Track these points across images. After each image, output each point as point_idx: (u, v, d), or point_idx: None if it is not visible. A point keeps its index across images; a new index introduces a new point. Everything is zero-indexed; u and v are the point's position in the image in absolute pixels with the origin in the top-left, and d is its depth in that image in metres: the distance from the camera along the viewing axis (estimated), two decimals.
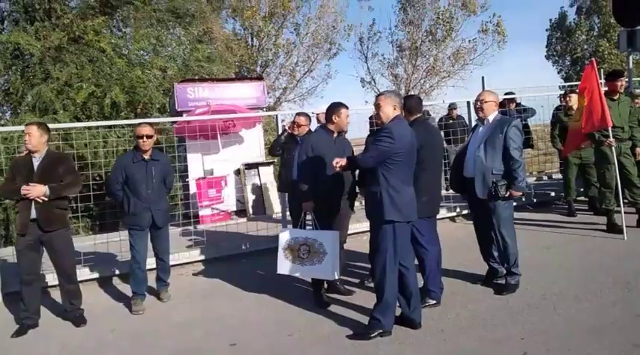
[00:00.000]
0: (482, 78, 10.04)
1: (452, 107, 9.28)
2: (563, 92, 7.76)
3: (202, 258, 5.92)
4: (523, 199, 7.65)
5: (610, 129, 5.73)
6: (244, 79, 10.58)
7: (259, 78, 11.59)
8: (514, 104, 7.86)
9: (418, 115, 4.21)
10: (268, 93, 21.39)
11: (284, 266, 4.32)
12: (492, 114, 4.36)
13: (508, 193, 4.19)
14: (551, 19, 24.28)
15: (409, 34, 19.76)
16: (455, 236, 6.20)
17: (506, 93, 7.94)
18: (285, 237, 4.35)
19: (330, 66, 21.20)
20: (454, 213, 7.42)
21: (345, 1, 20.50)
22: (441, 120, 9.78)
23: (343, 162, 3.68)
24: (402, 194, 3.53)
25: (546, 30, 24.30)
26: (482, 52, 19.97)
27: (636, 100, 6.91)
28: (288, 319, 4.12)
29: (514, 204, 6.95)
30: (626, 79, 8.15)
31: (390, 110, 3.59)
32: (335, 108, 4.33)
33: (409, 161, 3.59)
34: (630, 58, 7.95)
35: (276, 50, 19.32)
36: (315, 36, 19.80)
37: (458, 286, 4.55)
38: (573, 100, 6.92)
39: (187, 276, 5.63)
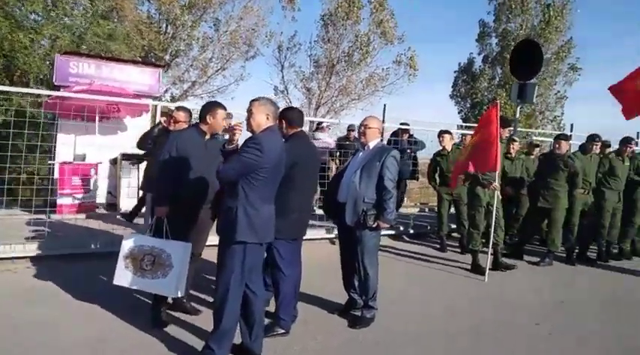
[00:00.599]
0: (384, 105, 10.14)
1: (350, 128, 9.22)
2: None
3: (39, 253, 5.14)
4: (401, 228, 7.72)
5: (495, 173, 5.92)
6: (138, 63, 9.77)
7: (156, 64, 10.77)
8: (407, 135, 7.94)
9: (298, 130, 3.92)
10: (175, 83, 20.53)
11: (123, 276, 3.78)
12: (374, 141, 4.20)
13: (376, 224, 4.02)
14: (460, 63, 25.67)
15: (327, 51, 19.84)
16: (329, 259, 5.95)
17: (401, 123, 8.01)
18: (129, 243, 3.82)
19: (245, 68, 20.57)
20: (333, 235, 7.25)
21: (270, 7, 19.92)
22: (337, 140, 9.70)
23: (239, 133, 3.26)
24: (260, 213, 3.18)
25: (454, 72, 25.66)
26: (392, 82, 20.58)
27: (512, 145, 7.25)
28: (113, 337, 3.58)
29: (384, 233, 6.94)
30: (511, 128, 8.59)
31: (263, 119, 3.24)
32: (211, 107, 3.91)
33: (274, 178, 3.27)
34: (518, 108, 8.40)
35: (189, 41, 18.42)
36: (234, 35, 19.18)
37: (313, 315, 4.29)
38: (446, 140, 7.15)
39: (14, 273, 4.84)
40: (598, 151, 7.09)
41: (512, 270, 6.24)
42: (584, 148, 7.07)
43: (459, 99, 25.70)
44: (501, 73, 24.13)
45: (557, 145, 6.55)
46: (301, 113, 3.96)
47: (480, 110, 24.58)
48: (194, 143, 3.83)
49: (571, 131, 16.13)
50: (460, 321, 4.42)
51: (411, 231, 8.11)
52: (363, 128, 4.21)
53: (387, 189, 3.99)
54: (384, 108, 9.89)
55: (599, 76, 44.83)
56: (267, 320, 3.69)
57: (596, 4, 39.34)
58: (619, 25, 47.85)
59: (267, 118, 3.24)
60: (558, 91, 24.20)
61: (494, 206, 5.87)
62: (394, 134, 7.75)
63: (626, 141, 7.17)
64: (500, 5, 23.61)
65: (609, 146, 8.07)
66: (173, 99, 19.12)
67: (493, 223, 5.89)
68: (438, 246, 7.35)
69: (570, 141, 9.22)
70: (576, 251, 7.12)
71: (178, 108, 4.75)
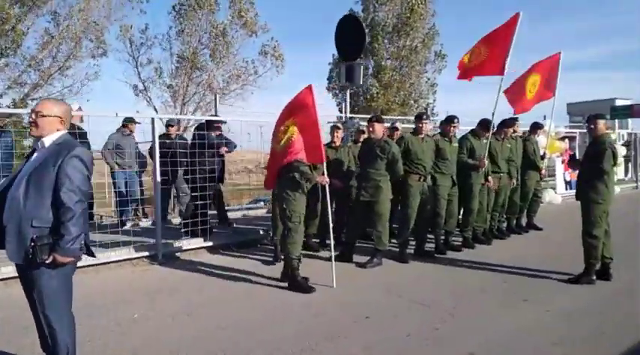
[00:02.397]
0: (215, 95, 8.92)
1: (169, 123, 7.81)
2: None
3: None
4: (225, 237, 6.44)
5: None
6: None
7: None
8: (219, 131, 6.63)
9: None
10: (11, 87, 17.68)
11: None
12: (52, 136, 2.84)
13: (51, 258, 2.68)
14: (334, 54, 25.05)
15: (186, 44, 18.12)
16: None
17: (211, 115, 6.74)
18: None
19: (99, 66, 18.13)
20: (138, 254, 5.89)
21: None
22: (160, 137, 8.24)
23: None
24: None
25: (329, 64, 25.02)
26: (261, 74, 19.45)
27: (337, 132, 6.41)
28: None
29: (198, 246, 5.71)
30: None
31: None
32: None
33: None
34: (348, 92, 7.49)
35: (16, 38, 15.80)
36: (73, 30, 16.79)
37: None
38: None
39: None
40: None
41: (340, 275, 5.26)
42: (415, 130, 6.29)
43: (337, 92, 25.17)
44: (373, 63, 24.00)
45: (370, 129, 5.64)
46: None
47: (356, 100, 24.31)
48: None
49: (431, 114, 16.09)
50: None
51: (240, 239, 6.89)
52: (34, 116, 2.84)
53: (66, 206, 2.67)
54: (215, 98, 8.64)
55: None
56: None
57: None
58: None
59: None
60: (429, 79, 24.56)
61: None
62: (199, 127, 6.46)
63: (449, 120, 6.50)
64: None
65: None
66: (15, 105, 16.43)
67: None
68: (271, 256, 6.18)
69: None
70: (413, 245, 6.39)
71: None
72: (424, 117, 6.04)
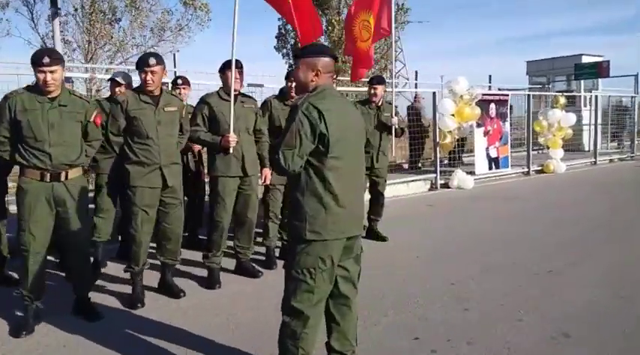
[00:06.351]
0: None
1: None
2: None
3: None
4: None
5: None
6: None
7: None
8: None
9: None
10: None
11: None
12: None
13: None
14: None
15: None
16: None
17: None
18: None
19: (9, 21, 14.76)
20: None
21: None
22: None
23: None
24: None
25: (278, 19, 21.30)
26: (182, 28, 16.03)
27: None
28: None
29: None
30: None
31: None
32: None
33: None
34: (57, 20, 4.31)
35: None
36: None
37: None
38: None
39: None
40: None
41: None
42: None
43: (287, 52, 21.53)
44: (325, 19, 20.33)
45: None
46: None
47: None
48: None
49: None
50: None
51: None
52: None
53: None
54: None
55: None
56: None
57: None
58: None
59: None
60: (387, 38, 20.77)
61: None
62: None
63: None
64: None
65: None
66: None
67: None
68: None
69: None
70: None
71: None
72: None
